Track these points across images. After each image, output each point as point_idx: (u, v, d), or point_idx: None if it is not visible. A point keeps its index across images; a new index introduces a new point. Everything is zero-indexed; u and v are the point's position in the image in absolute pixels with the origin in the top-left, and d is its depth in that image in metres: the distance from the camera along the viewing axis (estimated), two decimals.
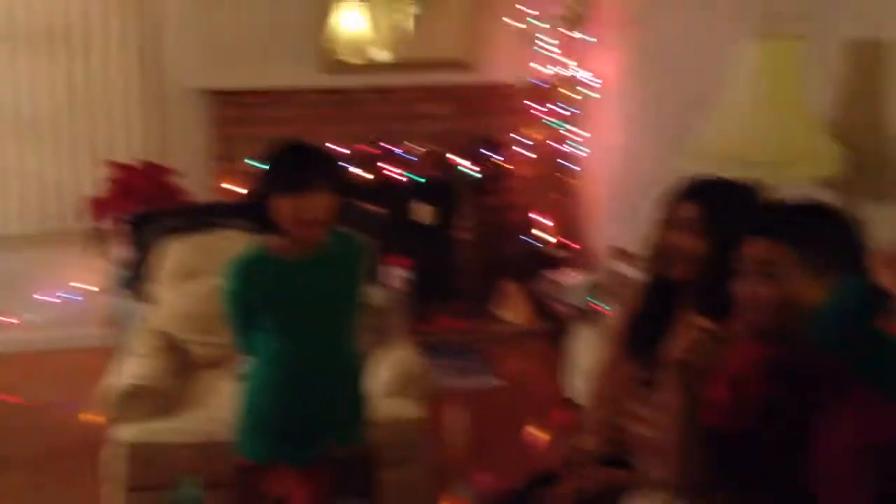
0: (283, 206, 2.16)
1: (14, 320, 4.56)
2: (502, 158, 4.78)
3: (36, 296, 4.56)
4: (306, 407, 2.27)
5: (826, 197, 2.72)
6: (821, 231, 1.80)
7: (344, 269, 2.32)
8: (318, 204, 2.15)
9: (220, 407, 2.82)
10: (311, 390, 2.27)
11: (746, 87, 2.68)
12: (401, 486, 2.74)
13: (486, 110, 4.85)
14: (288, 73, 4.65)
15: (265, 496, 2.11)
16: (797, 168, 2.58)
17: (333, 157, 2.31)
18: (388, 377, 2.92)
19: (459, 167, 4.70)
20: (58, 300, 4.57)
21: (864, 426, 1.69)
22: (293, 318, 2.26)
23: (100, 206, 4.28)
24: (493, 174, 4.80)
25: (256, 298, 2.26)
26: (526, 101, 4.79)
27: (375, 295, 3.08)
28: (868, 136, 2.67)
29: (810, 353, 1.60)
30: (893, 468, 1.47)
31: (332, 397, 2.30)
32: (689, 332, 1.80)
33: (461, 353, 4.53)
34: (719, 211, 2.08)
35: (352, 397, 2.39)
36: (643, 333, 2.23)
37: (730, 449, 1.88)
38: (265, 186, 2.19)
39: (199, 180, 4.56)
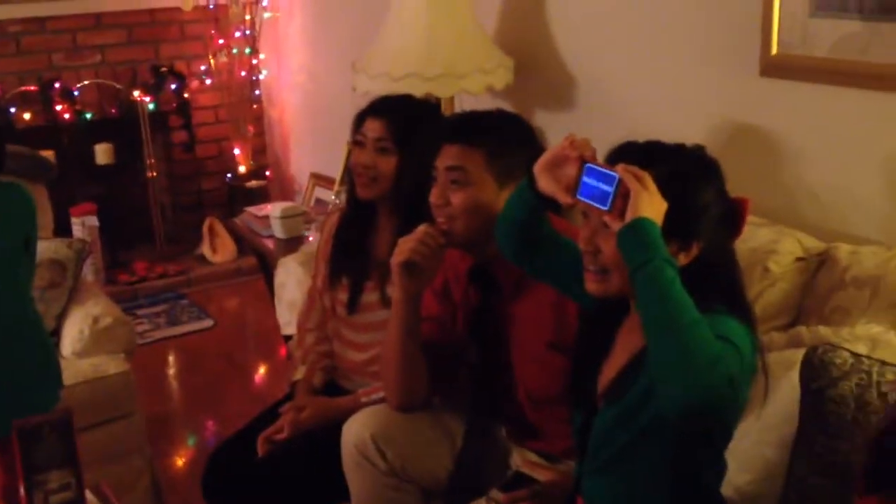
0: None
1: None
2: (185, 89, 4.53)
3: None
4: None
5: (499, 105, 2.86)
6: (508, 137, 1.86)
7: (1, 222, 2.10)
8: None
9: None
10: None
11: (417, 3, 2.70)
12: (111, 445, 2.62)
13: (161, 38, 4.55)
14: None
15: None
16: (470, 81, 2.67)
17: None
18: (80, 335, 2.71)
19: (140, 101, 4.39)
20: None
21: (547, 325, 1.81)
22: None
23: None
24: (177, 107, 4.54)
25: None
26: (202, 28, 4.55)
27: (55, 247, 2.83)
28: (534, 49, 2.81)
29: (501, 258, 1.66)
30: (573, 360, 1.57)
31: (8, 363, 2.12)
32: (411, 235, 1.82)
33: (168, 298, 4.33)
34: (404, 126, 2.10)
35: (34, 360, 2.22)
36: (345, 257, 2.23)
37: (443, 362, 1.94)
38: None
39: None
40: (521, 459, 1.87)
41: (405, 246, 1.82)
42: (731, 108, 2.24)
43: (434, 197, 1.85)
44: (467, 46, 2.71)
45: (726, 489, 1.51)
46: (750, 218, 1.45)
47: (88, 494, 1.89)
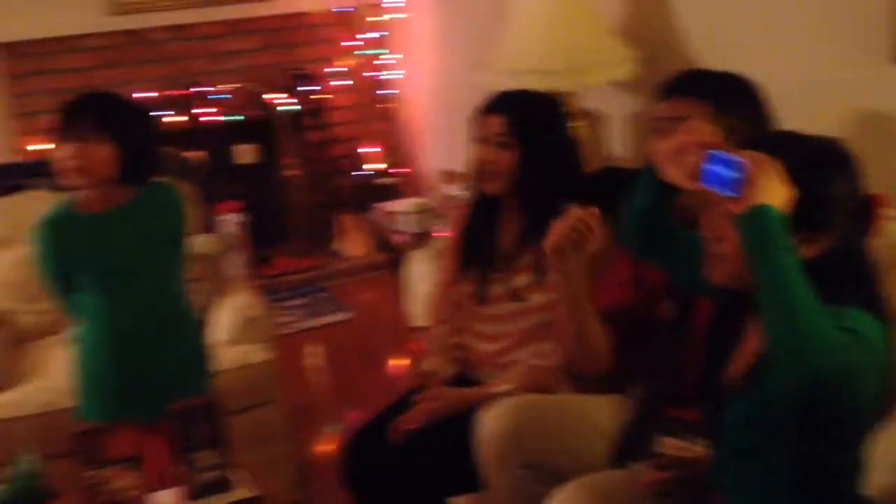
0: (55, 155, 2.12)
1: None
2: (319, 91, 4.69)
3: None
4: (140, 363, 2.23)
5: (622, 98, 2.85)
6: (735, 94, 1.83)
7: (158, 220, 2.27)
8: (85, 152, 2.09)
9: (55, 376, 2.70)
10: (142, 345, 2.23)
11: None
12: (256, 430, 2.72)
13: (294, 42, 4.71)
14: (75, 17, 4.32)
15: (108, 458, 2.06)
16: (593, 74, 2.69)
17: (122, 104, 2.22)
18: (228, 324, 2.87)
19: (276, 103, 4.58)
20: None
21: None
22: (109, 274, 2.21)
23: None
24: (313, 108, 4.71)
25: (68, 258, 2.20)
26: (335, 31, 4.70)
27: (207, 243, 3.00)
28: (658, 35, 2.79)
29: None
30: None
31: (167, 350, 2.27)
32: (561, 221, 1.86)
33: (307, 292, 4.49)
34: (522, 121, 2.13)
35: (189, 348, 2.36)
36: (472, 250, 2.28)
37: (634, 326, 1.97)
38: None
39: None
40: (668, 444, 1.86)
41: (556, 231, 1.87)
42: (862, 97, 2.18)
43: (653, 146, 1.79)
44: (587, 40, 2.72)
45: (871, 489, 1.48)
46: (886, 212, 1.42)
47: (236, 474, 2.02)
